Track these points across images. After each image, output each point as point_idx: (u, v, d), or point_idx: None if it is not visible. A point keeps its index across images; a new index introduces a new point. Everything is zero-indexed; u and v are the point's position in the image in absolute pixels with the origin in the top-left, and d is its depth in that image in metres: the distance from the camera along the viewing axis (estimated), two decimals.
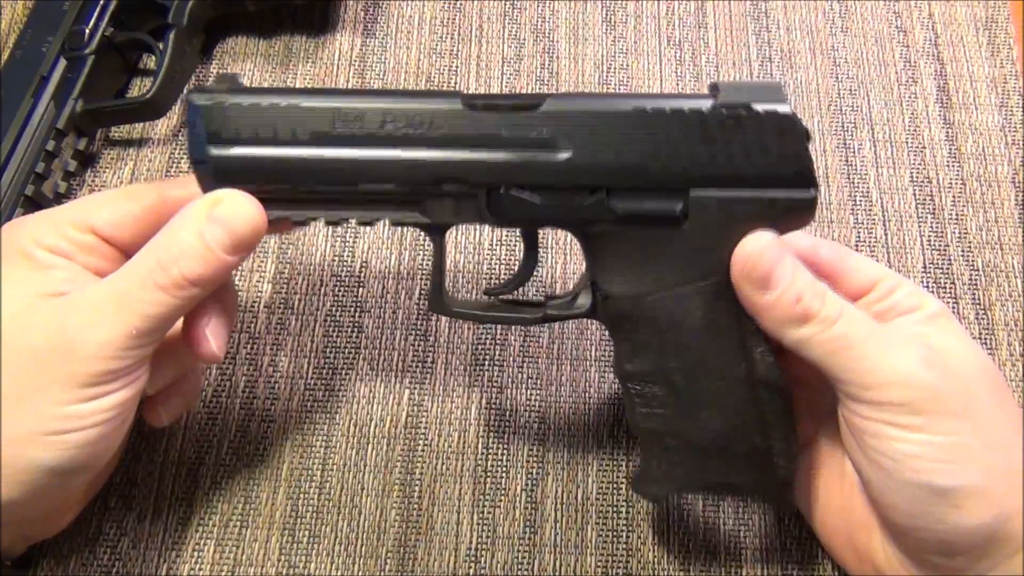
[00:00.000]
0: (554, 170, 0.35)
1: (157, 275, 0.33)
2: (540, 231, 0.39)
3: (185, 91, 0.52)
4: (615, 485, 0.44)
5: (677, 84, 0.54)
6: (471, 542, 0.43)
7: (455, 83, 0.53)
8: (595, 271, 0.37)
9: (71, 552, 0.42)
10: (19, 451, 0.33)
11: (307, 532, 0.43)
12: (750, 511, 0.44)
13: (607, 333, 0.47)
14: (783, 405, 0.37)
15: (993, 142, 0.52)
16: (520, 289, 0.41)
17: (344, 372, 0.46)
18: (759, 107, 0.35)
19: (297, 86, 0.53)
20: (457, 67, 0.54)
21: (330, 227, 0.48)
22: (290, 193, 0.35)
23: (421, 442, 0.45)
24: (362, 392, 0.46)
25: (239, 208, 0.34)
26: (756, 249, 0.35)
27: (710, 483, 0.38)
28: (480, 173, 0.35)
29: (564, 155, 0.35)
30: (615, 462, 0.44)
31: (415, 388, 0.46)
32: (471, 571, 0.42)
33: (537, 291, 0.48)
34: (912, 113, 0.53)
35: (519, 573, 0.42)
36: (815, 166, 0.36)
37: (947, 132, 0.52)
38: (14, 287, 0.34)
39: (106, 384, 0.33)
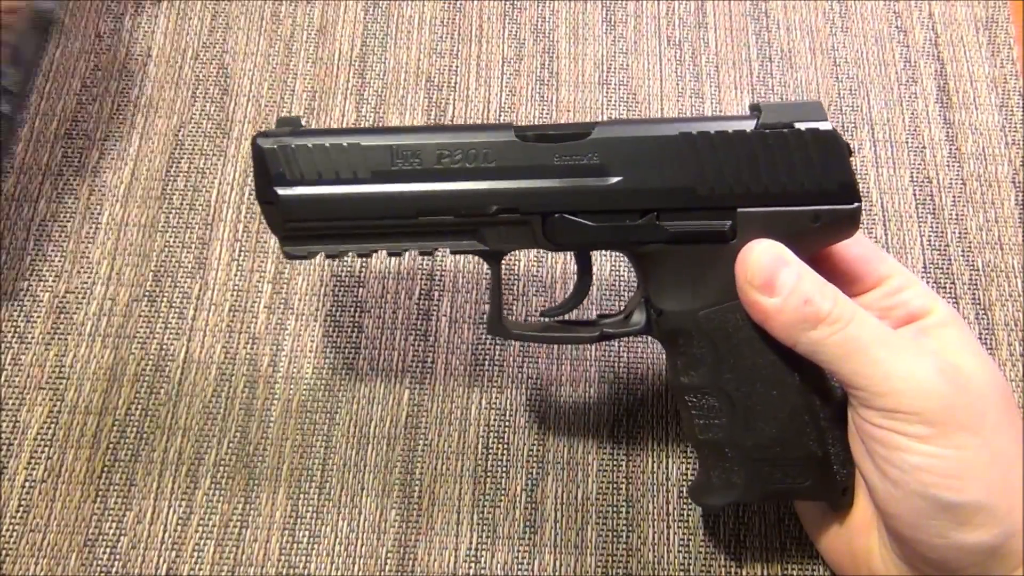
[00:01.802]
0: (605, 195, 0.36)
1: None
2: (593, 253, 0.40)
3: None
4: (615, 485, 0.44)
5: (677, 84, 0.54)
6: (471, 542, 0.43)
7: (455, 83, 0.53)
8: (648, 289, 0.38)
9: (71, 552, 0.42)
10: None
11: (307, 532, 0.43)
12: (750, 511, 0.44)
13: None
14: (836, 412, 0.37)
15: (993, 142, 0.52)
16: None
17: (344, 372, 0.46)
18: (801, 125, 0.36)
19: (297, 87, 0.53)
20: (457, 67, 0.54)
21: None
22: (354, 228, 0.37)
23: (421, 442, 0.45)
24: (362, 392, 0.46)
25: None
26: (757, 254, 0.36)
27: (769, 491, 0.38)
28: (534, 201, 0.36)
29: (614, 180, 0.36)
30: (615, 462, 0.44)
31: (415, 388, 0.46)
32: (471, 571, 0.42)
33: (538, 305, 0.48)
34: (912, 113, 0.53)
35: (519, 573, 0.42)
36: (857, 179, 0.37)
37: (947, 132, 0.52)
38: None
39: None
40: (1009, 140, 0.52)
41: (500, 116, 0.53)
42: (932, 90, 0.54)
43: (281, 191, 0.36)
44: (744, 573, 0.42)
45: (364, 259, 0.49)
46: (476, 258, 0.49)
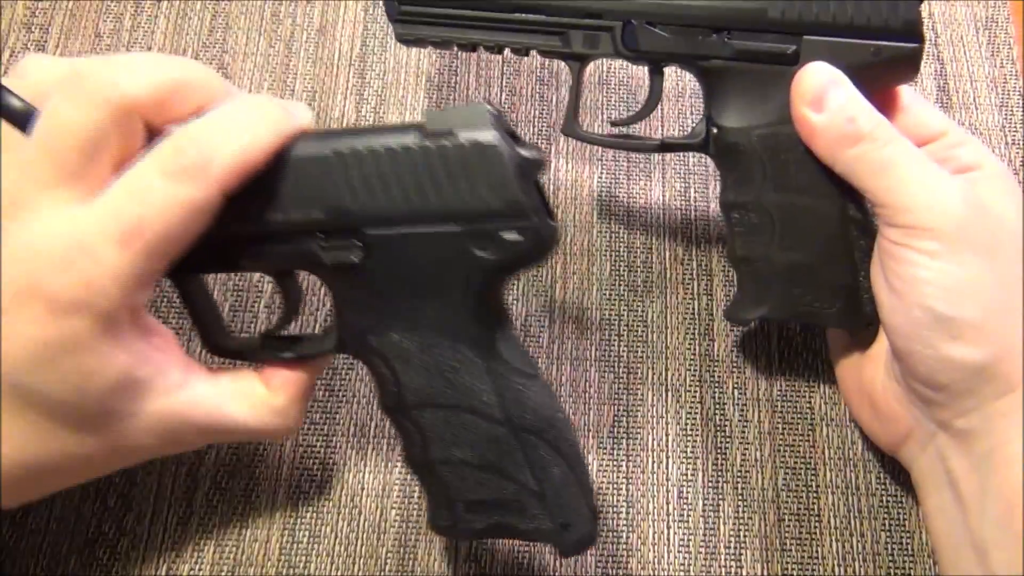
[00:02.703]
0: (684, 9, 0.40)
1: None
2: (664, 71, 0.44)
3: None
4: (615, 485, 0.44)
5: (677, 84, 0.54)
6: (471, 542, 0.43)
7: (455, 83, 0.53)
8: (710, 105, 0.41)
9: (71, 552, 0.42)
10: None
11: (307, 532, 0.43)
12: (750, 511, 0.44)
13: (607, 334, 0.47)
14: (870, 246, 0.39)
15: (993, 142, 0.52)
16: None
17: (344, 372, 0.46)
18: None
19: (297, 87, 0.53)
20: (457, 67, 0.54)
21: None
22: (459, 17, 0.41)
23: None
24: (362, 392, 0.46)
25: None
26: (812, 71, 0.39)
27: (798, 311, 0.41)
28: (619, 8, 0.40)
29: None
30: (615, 462, 0.44)
31: None
32: (471, 571, 0.42)
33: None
34: None
35: (519, 573, 0.42)
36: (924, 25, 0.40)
37: None
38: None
39: None
40: (1009, 140, 0.52)
41: None
42: (932, 90, 0.54)
43: None
44: (744, 573, 0.42)
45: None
46: None
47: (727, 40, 0.40)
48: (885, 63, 0.39)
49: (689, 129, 0.46)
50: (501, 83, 0.54)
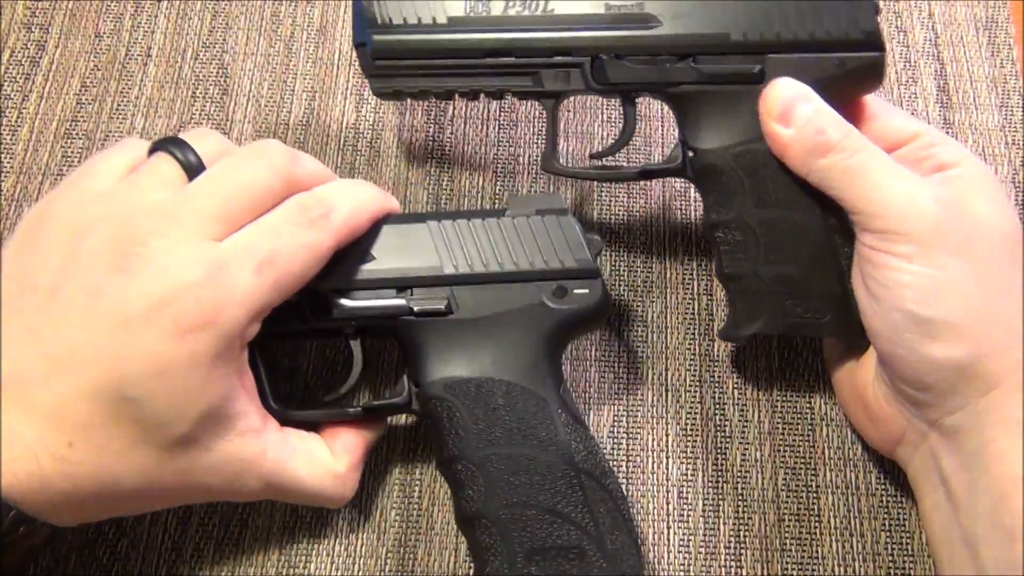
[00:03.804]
0: (649, 41, 0.41)
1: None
2: (637, 102, 0.45)
3: None
4: None
5: None
6: None
7: None
8: (684, 129, 0.42)
9: (71, 552, 0.42)
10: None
11: (307, 532, 0.43)
12: (750, 511, 0.44)
13: (607, 334, 0.47)
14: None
15: (993, 142, 0.52)
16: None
17: (344, 374, 0.46)
18: None
19: (297, 87, 0.53)
20: None
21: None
22: (432, 68, 0.42)
23: (421, 442, 0.45)
24: None
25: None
26: (778, 87, 0.39)
27: (790, 323, 0.41)
28: (585, 44, 0.41)
29: (658, 27, 0.41)
30: (615, 462, 0.44)
31: None
32: (471, 571, 0.42)
33: None
34: (912, 113, 0.53)
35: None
36: (883, 33, 0.40)
37: (947, 132, 0.52)
38: None
39: None
40: (1009, 140, 0.52)
41: (500, 115, 0.53)
42: (932, 90, 0.54)
43: (374, 36, 0.42)
44: (744, 573, 0.42)
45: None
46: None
47: (693, 65, 0.41)
48: (850, 74, 0.40)
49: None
50: None
